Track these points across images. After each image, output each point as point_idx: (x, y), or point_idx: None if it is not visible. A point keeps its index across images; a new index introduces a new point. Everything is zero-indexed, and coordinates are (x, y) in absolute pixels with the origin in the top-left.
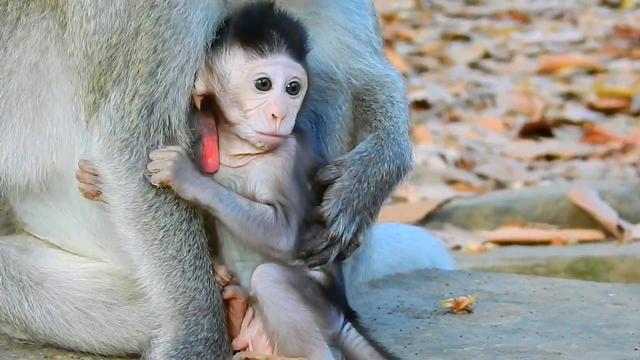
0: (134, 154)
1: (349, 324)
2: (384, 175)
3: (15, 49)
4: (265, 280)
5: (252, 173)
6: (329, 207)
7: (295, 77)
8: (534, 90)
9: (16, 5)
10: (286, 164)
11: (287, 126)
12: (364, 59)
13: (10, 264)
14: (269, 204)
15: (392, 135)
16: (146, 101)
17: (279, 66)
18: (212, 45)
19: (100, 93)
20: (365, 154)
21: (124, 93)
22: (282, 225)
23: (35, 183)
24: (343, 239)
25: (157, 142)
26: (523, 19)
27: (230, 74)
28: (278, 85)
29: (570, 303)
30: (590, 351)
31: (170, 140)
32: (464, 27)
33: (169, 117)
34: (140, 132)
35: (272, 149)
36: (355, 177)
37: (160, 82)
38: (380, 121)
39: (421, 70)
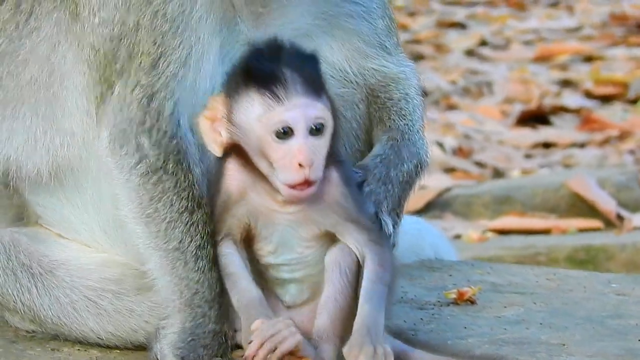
0: (132, 145)
1: None
2: (405, 174)
3: (28, 39)
4: None
5: (313, 218)
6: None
7: (317, 118)
8: (531, 77)
9: None
10: (343, 200)
11: (316, 171)
12: (376, 59)
13: (21, 251)
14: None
15: (406, 135)
16: (147, 92)
17: (297, 110)
18: (228, 93)
19: (107, 85)
20: (384, 156)
21: (126, 84)
22: (385, 248)
23: (45, 175)
24: (392, 236)
25: (151, 130)
26: (519, 6)
27: (251, 125)
28: (300, 131)
29: (573, 294)
30: (594, 342)
31: (160, 131)
32: (459, 14)
33: (164, 106)
34: (137, 121)
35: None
36: (379, 180)
37: (162, 74)
38: (394, 120)
39: (417, 57)
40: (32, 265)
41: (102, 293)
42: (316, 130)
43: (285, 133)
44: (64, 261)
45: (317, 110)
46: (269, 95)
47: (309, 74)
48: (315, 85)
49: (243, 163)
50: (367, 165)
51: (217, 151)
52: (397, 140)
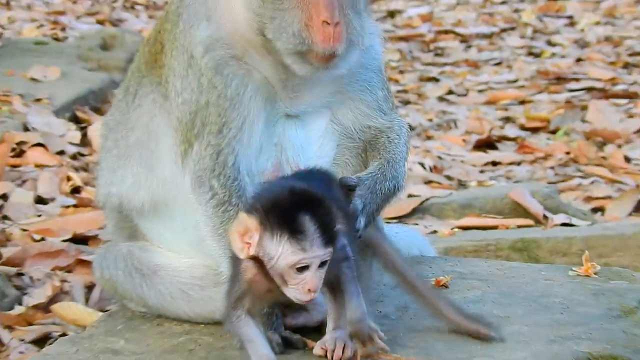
0: (206, 186)
1: None
2: (386, 190)
3: (134, 112)
4: None
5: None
6: (355, 206)
7: (326, 257)
8: (483, 116)
9: (135, 81)
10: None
11: (319, 288)
12: (375, 119)
13: (134, 259)
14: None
15: (390, 163)
16: (215, 149)
17: (316, 256)
18: (263, 225)
19: (188, 144)
20: (373, 173)
21: (201, 143)
22: (349, 259)
23: (147, 207)
24: (360, 230)
25: (219, 175)
26: (475, 65)
27: (277, 258)
28: (313, 268)
29: (516, 279)
30: (530, 315)
31: (226, 176)
32: (434, 71)
33: (228, 159)
34: (209, 169)
35: None
36: (369, 188)
37: (225, 136)
38: (382, 154)
39: (406, 103)
40: (142, 269)
41: (191, 286)
42: (322, 264)
43: (302, 268)
44: (164, 265)
45: (328, 253)
46: (297, 243)
47: (329, 227)
48: (329, 235)
49: (262, 268)
50: (362, 177)
51: (242, 257)
52: (383, 165)
